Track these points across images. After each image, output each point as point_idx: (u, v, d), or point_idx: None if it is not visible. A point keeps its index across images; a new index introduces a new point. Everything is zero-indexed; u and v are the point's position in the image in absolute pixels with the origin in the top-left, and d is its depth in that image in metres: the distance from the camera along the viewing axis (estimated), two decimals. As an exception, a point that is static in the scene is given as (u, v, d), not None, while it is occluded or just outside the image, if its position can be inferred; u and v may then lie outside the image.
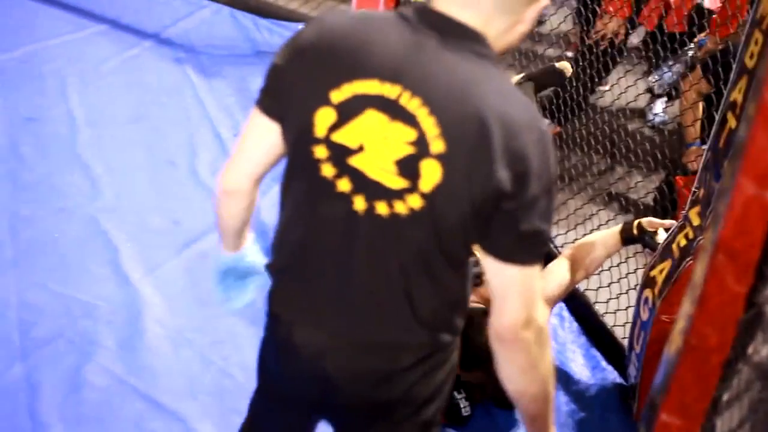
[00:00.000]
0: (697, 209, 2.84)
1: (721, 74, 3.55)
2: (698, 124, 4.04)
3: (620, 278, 3.51)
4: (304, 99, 1.65)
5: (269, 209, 3.70)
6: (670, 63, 5.24)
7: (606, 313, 3.55)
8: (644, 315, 2.98)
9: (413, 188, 1.60)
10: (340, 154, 1.63)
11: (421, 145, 1.58)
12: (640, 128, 5.19)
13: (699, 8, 4.89)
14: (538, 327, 1.68)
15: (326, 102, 1.62)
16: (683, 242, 2.85)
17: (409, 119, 1.58)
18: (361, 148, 1.62)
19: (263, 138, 1.75)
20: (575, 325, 3.61)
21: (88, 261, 3.43)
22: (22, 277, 3.28)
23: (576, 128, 4.69)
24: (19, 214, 3.60)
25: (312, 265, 1.74)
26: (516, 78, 4.08)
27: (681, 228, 2.89)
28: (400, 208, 1.62)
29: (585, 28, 4.99)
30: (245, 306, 2.13)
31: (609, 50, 4.80)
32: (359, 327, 1.75)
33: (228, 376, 3.04)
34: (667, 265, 2.88)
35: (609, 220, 3.80)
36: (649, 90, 5.33)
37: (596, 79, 4.77)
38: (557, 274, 3.05)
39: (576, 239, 3.39)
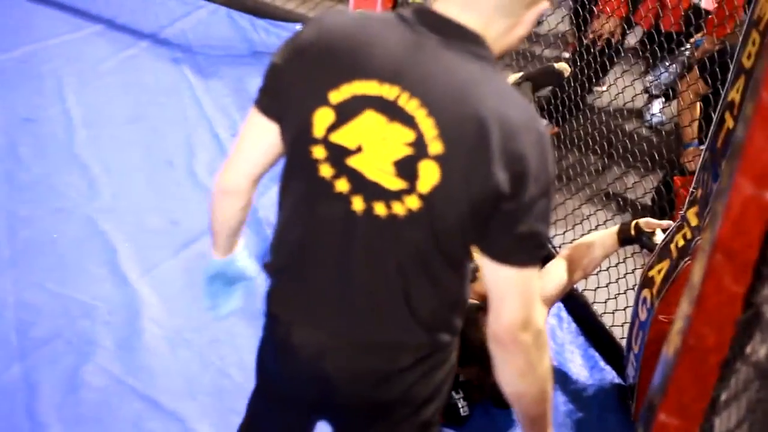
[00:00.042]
0: (695, 209, 2.85)
1: (719, 74, 3.56)
2: (696, 124, 4.04)
3: (618, 278, 3.52)
4: (302, 99, 1.65)
5: (268, 209, 3.73)
6: (667, 63, 5.25)
7: (604, 313, 3.55)
8: (642, 315, 2.98)
9: (411, 189, 1.60)
10: (338, 155, 1.64)
11: (420, 146, 1.58)
12: (638, 128, 5.19)
13: (695, 8, 4.89)
14: (536, 329, 1.68)
15: (325, 102, 1.62)
16: (681, 242, 2.85)
17: (408, 120, 1.58)
18: (359, 149, 1.62)
19: (262, 138, 1.75)
20: (574, 325, 3.61)
21: (86, 261, 3.43)
22: (20, 277, 3.28)
23: (573, 128, 4.69)
24: (16, 214, 3.60)
25: (310, 265, 1.74)
26: (514, 77, 4.09)
27: (679, 228, 2.90)
28: (398, 208, 1.63)
29: (582, 28, 5.00)
30: (230, 313, 2.12)
31: (606, 51, 4.81)
32: (359, 327, 1.75)
33: (226, 376, 3.04)
34: (665, 265, 2.88)
35: (607, 221, 3.81)
36: (646, 90, 5.34)
37: (594, 80, 4.77)
38: (555, 274, 3.06)
39: (574, 239, 3.40)
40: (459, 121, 1.56)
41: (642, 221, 3.02)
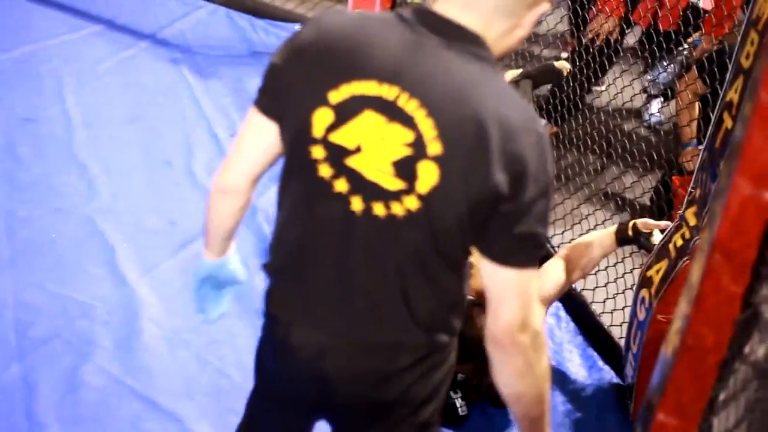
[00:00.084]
0: (693, 209, 2.85)
1: (717, 74, 3.56)
2: (694, 124, 4.04)
3: (617, 278, 3.52)
4: (301, 99, 1.65)
5: (267, 209, 3.73)
6: (665, 63, 5.25)
7: (603, 313, 3.55)
8: (641, 315, 2.98)
9: (410, 190, 1.61)
10: (337, 155, 1.64)
11: (419, 146, 1.58)
12: (636, 128, 5.19)
13: (694, 8, 4.89)
14: (534, 331, 1.68)
15: (324, 102, 1.62)
16: (680, 242, 2.85)
17: (407, 121, 1.58)
18: (358, 149, 1.62)
19: (261, 137, 1.75)
20: (572, 325, 3.61)
21: (85, 261, 3.43)
22: (19, 277, 3.28)
23: (572, 128, 4.69)
24: (16, 214, 3.60)
25: (310, 266, 1.74)
26: (513, 74, 4.08)
27: (677, 228, 2.90)
28: (397, 209, 1.63)
29: (582, 28, 5.00)
30: (220, 317, 2.11)
31: (605, 50, 4.81)
32: (358, 327, 1.75)
33: (225, 377, 3.04)
34: (663, 265, 2.88)
35: (605, 220, 3.81)
36: (645, 90, 5.34)
37: (593, 79, 4.77)
38: (553, 274, 3.06)
39: (572, 239, 3.40)
40: (458, 122, 1.56)
41: (640, 222, 3.02)
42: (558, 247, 3.77)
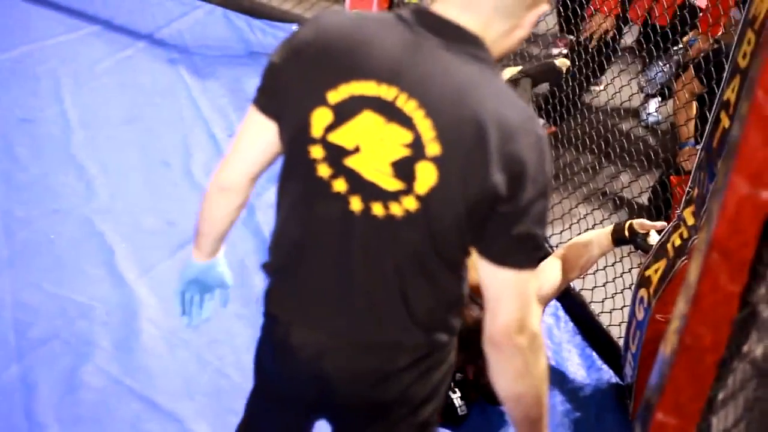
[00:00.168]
0: (691, 209, 2.85)
1: (714, 74, 3.57)
2: (691, 123, 4.05)
3: (615, 278, 3.52)
4: (300, 99, 1.65)
5: (265, 210, 3.73)
6: (661, 63, 5.25)
7: (601, 312, 3.55)
8: (640, 314, 2.98)
9: (408, 190, 1.61)
10: (336, 155, 1.64)
11: (417, 147, 1.58)
12: (634, 128, 5.19)
13: (690, 7, 4.90)
14: (532, 332, 1.68)
15: (323, 102, 1.62)
16: (678, 242, 2.86)
17: (406, 121, 1.58)
18: (357, 149, 1.62)
19: (259, 136, 1.75)
20: (571, 324, 3.61)
21: (84, 262, 3.43)
22: (17, 277, 3.28)
23: (570, 128, 4.70)
24: (14, 214, 3.60)
25: (308, 265, 1.74)
26: (512, 71, 4.08)
27: (676, 227, 2.90)
28: (396, 209, 1.63)
29: (574, 24, 5.01)
30: (204, 321, 2.11)
31: (603, 49, 4.81)
32: (357, 327, 1.75)
33: (224, 377, 3.04)
34: (662, 264, 2.89)
35: (603, 220, 3.81)
36: (641, 89, 5.34)
37: (591, 79, 4.78)
38: (549, 273, 3.06)
39: (570, 239, 3.40)
40: (457, 123, 1.56)
41: (636, 222, 3.02)
42: (556, 247, 3.77)
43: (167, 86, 4.74)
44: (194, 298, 2.07)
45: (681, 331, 1.39)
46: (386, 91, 1.59)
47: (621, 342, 3.26)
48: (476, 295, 1.85)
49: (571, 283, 3.49)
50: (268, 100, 1.72)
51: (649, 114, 5.29)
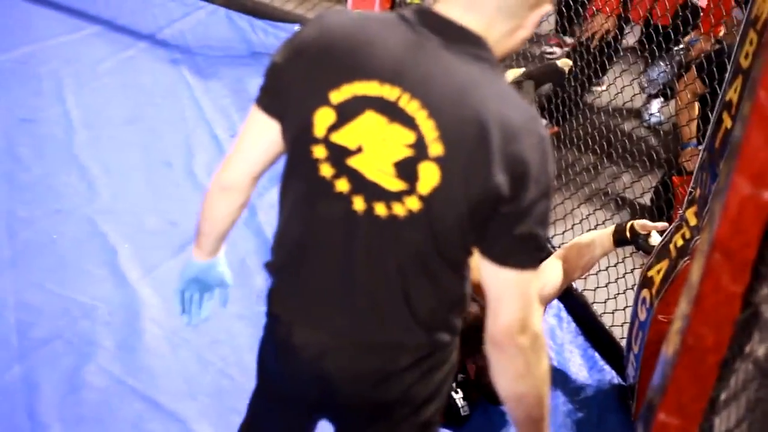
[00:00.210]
0: (693, 209, 2.85)
1: (716, 74, 3.57)
2: (693, 124, 4.05)
3: (618, 278, 3.52)
4: (303, 99, 1.65)
5: (267, 210, 3.73)
6: (662, 64, 5.25)
7: (604, 313, 3.55)
8: (642, 315, 2.98)
9: (411, 190, 1.61)
10: (338, 155, 1.64)
11: (420, 147, 1.58)
12: (636, 128, 5.20)
13: (692, 7, 4.90)
14: (533, 332, 1.68)
15: (326, 102, 1.62)
16: (680, 242, 2.86)
17: (408, 122, 1.58)
18: (359, 149, 1.62)
19: (262, 135, 1.75)
20: (573, 325, 3.61)
21: (86, 262, 3.44)
22: (20, 277, 3.29)
23: (573, 128, 4.70)
24: (16, 214, 3.61)
25: (311, 265, 1.75)
26: (515, 73, 4.08)
27: (678, 228, 2.90)
28: (399, 209, 1.63)
29: (582, 26, 5.01)
30: (203, 320, 2.11)
31: (605, 50, 4.81)
32: (359, 327, 1.75)
33: (226, 377, 3.04)
34: (664, 265, 2.89)
35: (605, 220, 3.81)
36: (642, 89, 5.34)
37: (593, 79, 4.78)
38: (551, 273, 3.06)
39: (572, 239, 3.40)
40: (460, 123, 1.56)
41: (637, 223, 3.02)
42: (558, 247, 3.77)
43: (169, 86, 4.75)
44: (194, 297, 2.07)
45: (683, 332, 1.39)
46: (389, 92, 1.59)
47: (623, 342, 3.26)
48: (475, 292, 1.86)
49: (574, 284, 3.49)
50: (270, 100, 1.72)
51: (651, 114, 5.30)
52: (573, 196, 4.15)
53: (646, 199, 4.28)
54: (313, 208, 1.70)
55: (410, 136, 1.58)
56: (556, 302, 3.57)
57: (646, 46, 4.70)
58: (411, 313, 1.72)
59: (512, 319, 1.66)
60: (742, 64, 2.56)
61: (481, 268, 1.66)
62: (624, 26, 5.01)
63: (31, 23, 5.07)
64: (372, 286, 1.71)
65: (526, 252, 1.63)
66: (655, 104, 5.34)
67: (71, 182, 3.88)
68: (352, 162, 1.63)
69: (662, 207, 3.97)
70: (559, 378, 3.29)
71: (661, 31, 4.54)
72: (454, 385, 2.93)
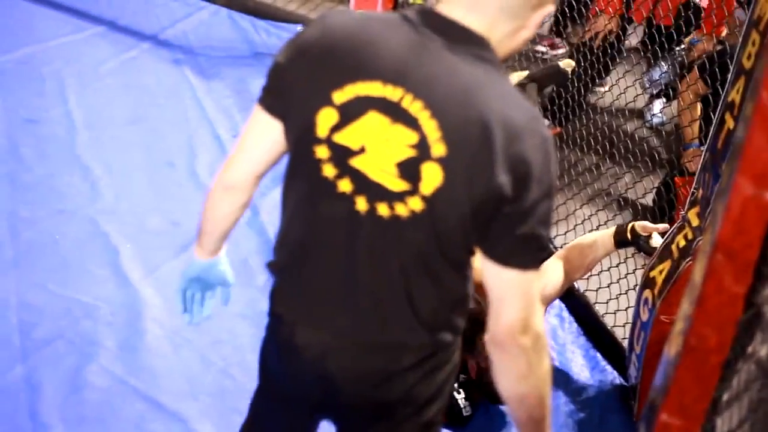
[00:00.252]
0: (696, 210, 2.85)
1: (719, 75, 3.57)
2: (696, 125, 4.05)
3: (620, 279, 3.52)
4: (306, 99, 1.65)
5: (269, 210, 3.73)
6: (664, 65, 5.25)
7: (606, 313, 3.55)
8: (644, 316, 2.98)
9: (414, 191, 1.61)
10: (341, 155, 1.64)
11: (423, 148, 1.58)
12: (638, 129, 5.19)
13: (695, 7, 4.90)
14: (535, 333, 1.68)
15: (328, 102, 1.62)
16: (682, 243, 2.85)
17: (411, 122, 1.58)
18: (362, 150, 1.62)
19: (265, 135, 1.75)
20: (575, 325, 3.61)
21: (88, 262, 3.44)
22: (22, 278, 3.29)
23: (575, 129, 4.70)
24: (18, 215, 3.61)
25: (313, 265, 1.75)
26: (520, 75, 4.08)
27: (680, 229, 2.90)
28: (401, 210, 1.63)
29: (579, 23, 5.02)
30: (205, 319, 2.11)
31: (608, 50, 4.82)
32: (362, 327, 1.75)
33: (228, 377, 3.04)
34: (666, 265, 2.88)
35: (608, 221, 3.81)
36: (644, 89, 5.34)
37: (596, 80, 4.78)
38: (552, 273, 3.06)
39: (574, 240, 3.40)
40: (463, 124, 1.56)
41: (638, 225, 3.02)
42: (560, 248, 3.77)
43: (172, 87, 4.75)
44: (195, 296, 2.07)
45: (686, 332, 1.39)
46: (392, 92, 1.59)
47: (625, 343, 3.25)
48: (476, 292, 1.86)
49: (576, 284, 3.49)
50: (273, 100, 1.72)
51: (653, 115, 5.29)
52: (575, 197, 4.15)
53: (649, 200, 4.28)
54: (315, 209, 1.71)
55: (413, 137, 1.58)
56: (558, 302, 3.57)
57: (649, 47, 4.70)
58: (413, 313, 1.72)
59: (514, 319, 1.66)
60: (745, 64, 2.56)
61: (484, 268, 1.66)
62: (627, 27, 5.01)
63: (34, 24, 5.07)
64: (374, 286, 1.71)
65: (529, 252, 1.63)
66: (658, 105, 5.33)
67: (74, 182, 3.88)
68: (355, 162, 1.63)
69: (664, 207, 3.97)
70: (561, 378, 3.29)
71: (664, 31, 4.54)
72: (456, 385, 2.93)
